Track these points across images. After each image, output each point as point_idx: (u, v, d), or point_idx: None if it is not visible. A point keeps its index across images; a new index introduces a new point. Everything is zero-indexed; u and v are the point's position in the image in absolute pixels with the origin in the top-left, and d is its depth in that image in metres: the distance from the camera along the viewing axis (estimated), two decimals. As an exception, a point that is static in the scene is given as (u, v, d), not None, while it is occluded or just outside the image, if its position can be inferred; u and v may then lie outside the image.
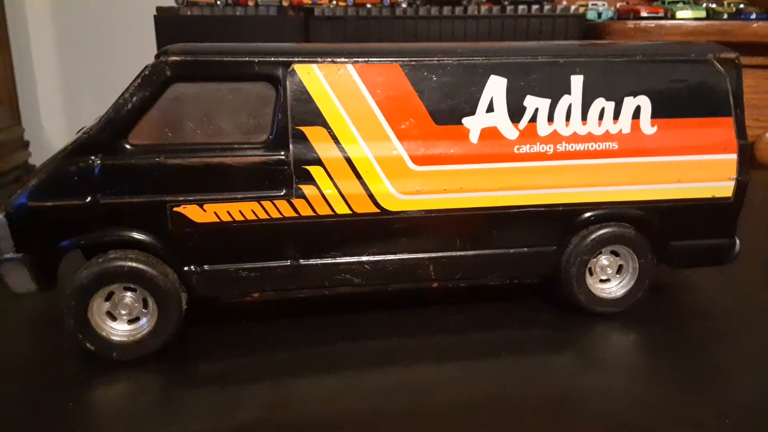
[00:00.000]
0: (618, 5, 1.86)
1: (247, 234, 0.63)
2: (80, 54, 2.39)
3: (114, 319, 0.63)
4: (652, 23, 1.70)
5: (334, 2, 1.72)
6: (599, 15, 1.82)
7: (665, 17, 1.75)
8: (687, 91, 0.69)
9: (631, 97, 0.68)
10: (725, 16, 1.74)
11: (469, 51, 0.66)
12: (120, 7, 2.30)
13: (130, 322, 0.63)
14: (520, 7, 1.72)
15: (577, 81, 0.67)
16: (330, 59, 0.63)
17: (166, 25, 1.66)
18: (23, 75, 2.34)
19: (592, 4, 1.85)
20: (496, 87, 0.66)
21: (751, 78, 1.72)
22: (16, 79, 2.31)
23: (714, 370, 0.63)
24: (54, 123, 2.46)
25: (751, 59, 1.65)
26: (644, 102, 0.68)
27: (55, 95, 2.45)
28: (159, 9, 1.69)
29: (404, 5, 1.71)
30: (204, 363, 0.64)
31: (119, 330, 0.63)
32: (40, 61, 2.41)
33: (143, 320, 0.63)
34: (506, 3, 1.71)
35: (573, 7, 1.76)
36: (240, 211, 0.63)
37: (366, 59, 0.64)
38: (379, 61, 0.64)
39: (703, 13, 1.75)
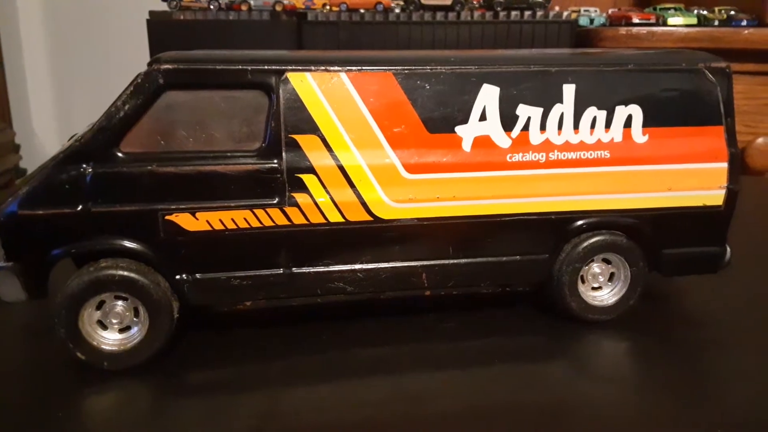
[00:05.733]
0: (610, 11, 1.88)
1: (240, 242, 0.63)
2: (72, 57, 2.38)
3: (105, 328, 0.63)
4: (644, 30, 1.72)
5: (328, 7, 1.72)
6: (591, 21, 1.83)
7: (657, 24, 1.76)
8: (678, 100, 0.70)
9: (623, 106, 0.68)
10: (716, 22, 1.76)
11: (461, 60, 0.66)
12: (112, 10, 2.29)
13: (121, 331, 0.63)
14: (513, 12, 1.73)
15: (569, 90, 0.67)
16: (323, 67, 0.63)
17: (159, 29, 1.66)
18: (14, 78, 2.33)
19: (584, 11, 1.86)
20: (488, 96, 0.66)
21: (742, 84, 1.74)
22: (7, 82, 2.30)
23: (706, 378, 0.64)
24: (45, 126, 2.45)
25: (742, 65, 1.67)
26: (635, 111, 0.69)
27: (46, 98, 2.44)
28: (152, 13, 1.69)
29: (397, 10, 1.72)
30: (196, 372, 0.63)
31: (110, 339, 0.63)
32: (31, 64, 2.40)
33: (134, 329, 0.63)
34: (499, 9, 1.72)
35: (565, 13, 1.77)
36: (232, 220, 0.62)
37: (359, 68, 0.64)
38: (372, 69, 0.64)
39: (694, 20, 1.76)
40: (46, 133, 2.47)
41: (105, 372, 0.62)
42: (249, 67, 0.61)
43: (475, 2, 1.80)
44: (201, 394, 0.59)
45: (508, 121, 0.67)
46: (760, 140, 1.72)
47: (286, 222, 0.63)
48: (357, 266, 0.67)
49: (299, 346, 0.67)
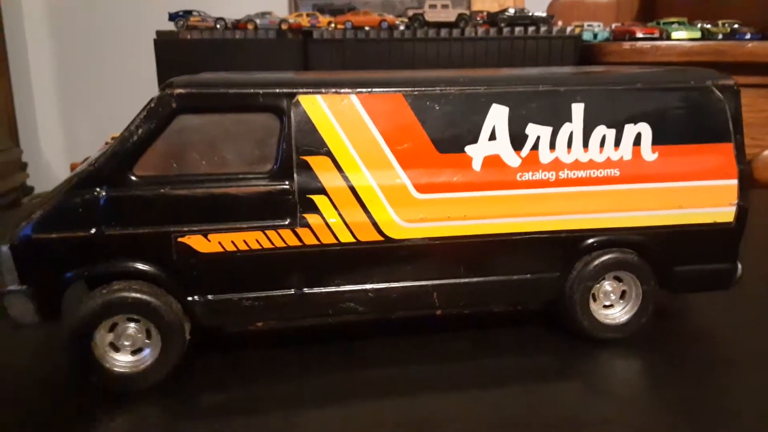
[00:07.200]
0: (613, 26, 1.89)
1: (252, 264, 0.63)
2: (79, 77, 2.40)
3: (117, 350, 0.63)
4: (648, 44, 1.72)
5: (333, 25, 1.73)
6: (595, 36, 1.84)
7: (660, 38, 1.77)
8: (687, 117, 0.70)
9: (632, 124, 0.69)
10: (720, 36, 1.77)
11: (470, 80, 0.67)
12: (120, 30, 2.32)
13: (134, 353, 0.63)
14: (517, 28, 1.74)
15: (578, 109, 0.68)
16: (334, 90, 0.63)
17: (166, 48, 1.67)
18: (21, 97, 2.35)
19: (588, 25, 1.87)
20: (498, 115, 0.66)
21: (747, 97, 1.74)
22: (14, 100, 2.32)
23: (720, 397, 0.63)
24: (52, 145, 2.47)
25: (747, 78, 1.67)
26: (645, 129, 0.69)
27: (53, 117, 2.46)
28: (159, 33, 1.71)
29: (402, 28, 1.73)
30: (207, 394, 0.63)
31: (122, 361, 0.63)
32: (38, 83, 2.42)
33: (146, 351, 0.63)
34: (503, 25, 1.73)
35: (569, 29, 1.78)
36: (244, 241, 0.63)
37: (369, 89, 0.64)
38: (383, 91, 0.64)
39: (698, 34, 1.77)
40: (53, 152, 2.48)
41: (117, 395, 0.62)
42: (261, 91, 0.62)
43: (479, 18, 1.81)
44: (212, 417, 0.59)
45: (517, 140, 0.67)
46: (766, 153, 1.72)
47: (297, 243, 0.64)
48: (368, 286, 0.67)
49: (310, 368, 0.67)
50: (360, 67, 1.67)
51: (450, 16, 1.71)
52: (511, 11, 1.74)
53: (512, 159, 0.67)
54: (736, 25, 1.78)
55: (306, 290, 0.65)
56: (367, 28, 1.71)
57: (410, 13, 1.75)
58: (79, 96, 2.43)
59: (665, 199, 0.70)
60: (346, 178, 0.64)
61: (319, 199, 0.63)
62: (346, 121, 0.64)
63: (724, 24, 1.77)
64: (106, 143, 0.72)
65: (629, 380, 0.67)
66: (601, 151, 0.68)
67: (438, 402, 0.61)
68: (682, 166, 0.70)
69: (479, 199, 0.66)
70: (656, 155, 0.69)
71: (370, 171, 0.64)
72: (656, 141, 0.69)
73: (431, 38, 1.71)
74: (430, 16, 1.72)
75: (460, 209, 0.66)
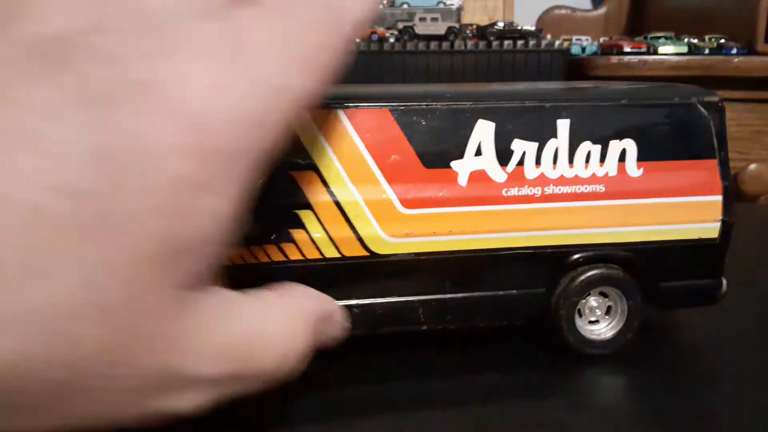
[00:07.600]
0: (601, 40, 1.90)
1: (235, 280, 0.63)
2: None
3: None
4: (635, 58, 1.74)
5: (323, 37, 1.74)
6: (583, 50, 1.86)
7: (648, 52, 1.79)
8: (672, 134, 0.70)
9: (617, 141, 0.69)
10: (707, 51, 1.79)
11: (457, 95, 0.67)
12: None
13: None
14: (506, 42, 1.75)
15: (563, 125, 0.68)
16: (320, 104, 0.63)
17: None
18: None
19: (576, 39, 1.88)
20: (484, 131, 0.66)
21: (733, 112, 1.76)
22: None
23: (707, 411, 0.63)
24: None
25: (732, 93, 1.69)
26: (630, 145, 0.69)
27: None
28: (148, 43, 1.70)
29: (392, 40, 1.74)
30: (192, 418, 0.62)
31: (104, 378, 0.62)
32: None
33: (129, 367, 0.62)
34: (492, 38, 1.74)
35: (557, 42, 1.80)
36: (228, 257, 0.62)
37: (356, 104, 0.64)
38: (369, 106, 0.64)
39: (684, 49, 1.79)
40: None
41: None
42: (246, 105, 0.61)
43: (468, 31, 1.83)
44: (196, 435, 0.58)
45: (503, 155, 0.67)
46: (752, 166, 1.74)
47: (282, 258, 0.63)
48: (353, 302, 0.66)
49: (293, 384, 0.66)
50: (350, 78, 1.67)
51: (440, 29, 1.72)
52: (501, 25, 1.76)
53: (498, 174, 0.67)
54: (722, 40, 1.80)
55: (291, 305, 0.65)
56: (357, 40, 1.72)
57: (400, 25, 1.76)
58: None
59: (650, 214, 0.70)
60: (331, 193, 0.63)
61: (304, 214, 0.63)
62: (332, 136, 0.63)
63: (710, 39, 1.79)
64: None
65: (616, 396, 0.67)
66: (586, 167, 0.69)
67: (425, 419, 0.61)
68: (666, 182, 0.70)
69: (465, 215, 0.66)
70: (641, 171, 0.70)
71: (356, 186, 0.64)
72: (641, 157, 0.69)
73: (421, 51, 1.71)
74: (420, 28, 1.72)
75: (446, 224, 0.66)
